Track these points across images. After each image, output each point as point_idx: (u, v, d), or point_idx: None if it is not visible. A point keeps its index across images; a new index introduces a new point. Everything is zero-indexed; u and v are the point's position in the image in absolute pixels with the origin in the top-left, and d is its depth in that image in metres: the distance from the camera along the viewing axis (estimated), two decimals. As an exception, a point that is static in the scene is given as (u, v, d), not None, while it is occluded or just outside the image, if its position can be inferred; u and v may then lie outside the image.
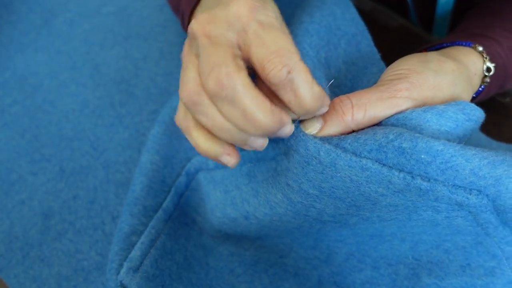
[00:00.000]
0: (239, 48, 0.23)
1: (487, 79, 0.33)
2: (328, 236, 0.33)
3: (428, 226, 0.28)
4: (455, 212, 0.24)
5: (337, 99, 0.26)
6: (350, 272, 0.32)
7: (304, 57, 0.28)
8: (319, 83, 0.27)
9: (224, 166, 0.31)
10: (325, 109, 0.25)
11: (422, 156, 0.22)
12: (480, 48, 0.33)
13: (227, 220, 0.32)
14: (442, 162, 0.22)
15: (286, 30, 0.24)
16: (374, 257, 0.32)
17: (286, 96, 0.23)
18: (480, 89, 0.34)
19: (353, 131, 0.26)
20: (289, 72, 0.22)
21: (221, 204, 0.32)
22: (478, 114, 0.26)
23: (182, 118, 0.26)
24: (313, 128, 0.25)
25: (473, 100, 0.34)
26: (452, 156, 0.22)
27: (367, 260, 0.32)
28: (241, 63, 0.23)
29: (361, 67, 0.33)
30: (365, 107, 0.25)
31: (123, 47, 0.49)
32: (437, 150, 0.22)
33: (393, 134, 0.23)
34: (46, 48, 0.50)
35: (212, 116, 0.23)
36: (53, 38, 0.51)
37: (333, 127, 0.25)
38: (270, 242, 0.34)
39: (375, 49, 0.34)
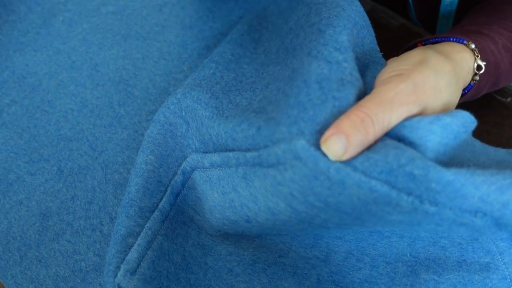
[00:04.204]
0: None
1: (477, 77, 0.34)
2: (328, 233, 0.33)
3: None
4: (457, 227, 0.25)
5: (357, 119, 0.24)
6: (349, 272, 0.32)
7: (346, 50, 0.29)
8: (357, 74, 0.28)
9: (219, 166, 0.31)
10: None
11: (433, 185, 0.23)
12: (473, 46, 0.33)
13: (227, 222, 0.32)
14: (452, 191, 0.23)
15: None
16: (372, 256, 0.32)
17: None
18: (469, 86, 0.34)
19: None
20: None
21: (219, 206, 0.31)
22: (473, 126, 0.27)
23: None
24: (338, 152, 0.24)
25: (463, 96, 0.35)
26: (462, 185, 0.23)
27: (365, 259, 0.32)
28: None
29: (364, 64, 0.33)
30: (383, 122, 0.25)
31: (122, 47, 0.49)
32: (448, 180, 0.23)
33: (404, 158, 0.23)
34: (45, 48, 0.50)
35: None
36: (52, 37, 0.51)
37: (358, 148, 0.24)
38: (269, 241, 0.34)
39: (377, 48, 0.34)
